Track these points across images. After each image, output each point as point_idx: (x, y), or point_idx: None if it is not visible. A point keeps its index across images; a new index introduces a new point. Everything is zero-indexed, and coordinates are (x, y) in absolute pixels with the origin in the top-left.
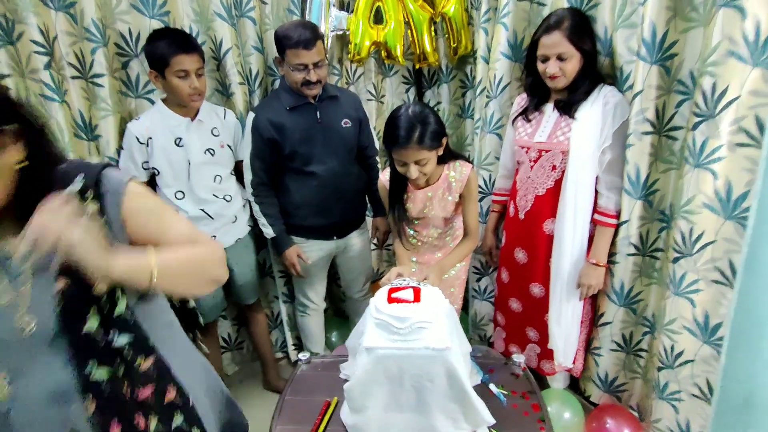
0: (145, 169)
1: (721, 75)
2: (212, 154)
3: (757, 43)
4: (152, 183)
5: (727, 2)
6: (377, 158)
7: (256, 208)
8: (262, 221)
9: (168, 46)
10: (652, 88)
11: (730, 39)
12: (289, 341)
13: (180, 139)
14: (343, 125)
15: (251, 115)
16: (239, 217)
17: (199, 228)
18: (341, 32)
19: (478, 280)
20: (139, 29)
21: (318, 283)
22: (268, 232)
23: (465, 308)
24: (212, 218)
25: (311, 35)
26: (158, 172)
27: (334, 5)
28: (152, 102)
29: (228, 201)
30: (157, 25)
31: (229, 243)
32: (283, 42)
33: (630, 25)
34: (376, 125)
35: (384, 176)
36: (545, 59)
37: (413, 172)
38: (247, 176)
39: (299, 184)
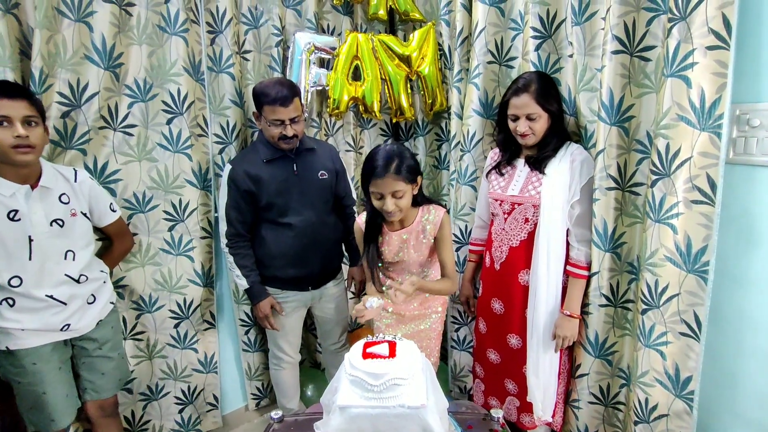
0: None
1: (673, 137)
2: (61, 226)
3: (702, 109)
4: None
5: (673, 73)
6: (355, 208)
7: (230, 259)
8: (236, 273)
9: None
10: (613, 147)
11: (678, 105)
12: (248, 390)
13: (15, 212)
14: (320, 177)
15: (228, 167)
16: (98, 296)
17: (47, 318)
18: (320, 88)
19: (457, 330)
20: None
21: (293, 335)
22: (242, 283)
23: (444, 358)
24: (65, 303)
25: (288, 93)
26: None
27: (314, 63)
28: None
29: (83, 281)
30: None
31: (89, 328)
32: (260, 98)
33: (590, 89)
34: (355, 175)
35: (360, 219)
36: (515, 118)
37: (389, 204)
38: (222, 227)
39: (275, 234)
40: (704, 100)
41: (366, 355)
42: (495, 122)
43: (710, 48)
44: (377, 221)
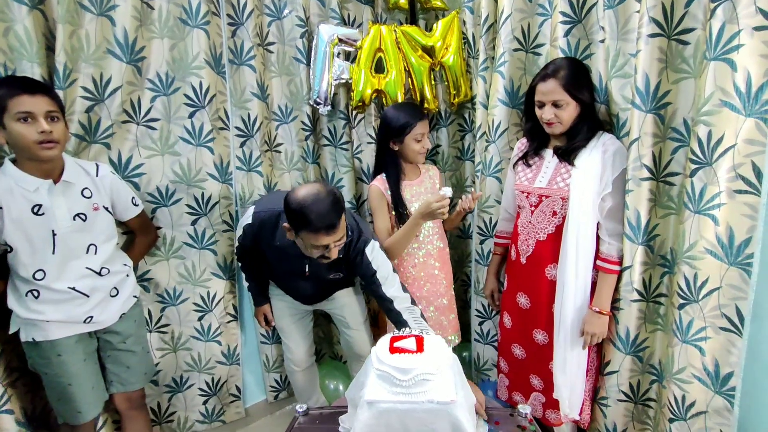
0: None
1: (715, 124)
2: (84, 220)
3: (749, 94)
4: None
5: (717, 56)
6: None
7: (238, 263)
8: (245, 275)
9: (6, 89)
10: (648, 136)
11: (722, 90)
12: (266, 382)
13: (39, 206)
14: (331, 277)
15: (249, 215)
16: (121, 290)
17: (70, 310)
18: (343, 81)
19: (481, 323)
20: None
21: (296, 333)
22: (246, 284)
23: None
24: (87, 296)
25: (334, 216)
26: (10, 250)
27: (337, 56)
28: None
29: (105, 274)
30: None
31: (112, 320)
32: (299, 222)
33: (623, 75)
34: None
35: (379, 182)
36: (542, 105)
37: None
38: (238, 234)
39: (275, 280)
40: (750, 84)
41: (393, 350)
42: (521, 111)
43: (757, 29)
44: (398, 180)
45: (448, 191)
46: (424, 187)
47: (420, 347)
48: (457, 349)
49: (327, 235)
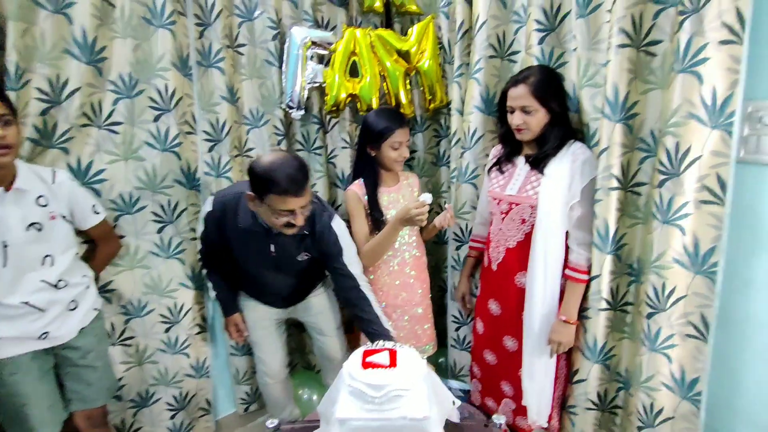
0: None
1: (683, 135)
2: (39, 230)
3: (714, 107)
4: None
5: (685, 68)
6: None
7: (204, 271)
8: (208, 284)
9: None
10: (617, 145)
11: (689, 102)
12: (236, 394)
13: None
14: (299, 259)
15: (209, 204)
16: (80, 303)
17: (24, 326)
18: (317, 84)
19: (457, 329)
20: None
21: (269, 346)
22: (212, 295)
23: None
24: (42, 310)
25: (302, 178)
26: None
27: (311, 59)
28: None
29: (62, 287)
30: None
31: (70, 335)
32: (267, 185)
33: (594, 85)
34: (351, 171)
35: (356, 187)
36: (512, 110)
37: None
38: (199, 246)
39: (245, 280)
40: (716, 97)
41: (366, 365)
42: (497, 118)
43: (723, 42)
44: (375, 185)
45: (428, 198)
46: (402, 194)
47: (393, 362)
48: (433, 356)
49: (295, 197)
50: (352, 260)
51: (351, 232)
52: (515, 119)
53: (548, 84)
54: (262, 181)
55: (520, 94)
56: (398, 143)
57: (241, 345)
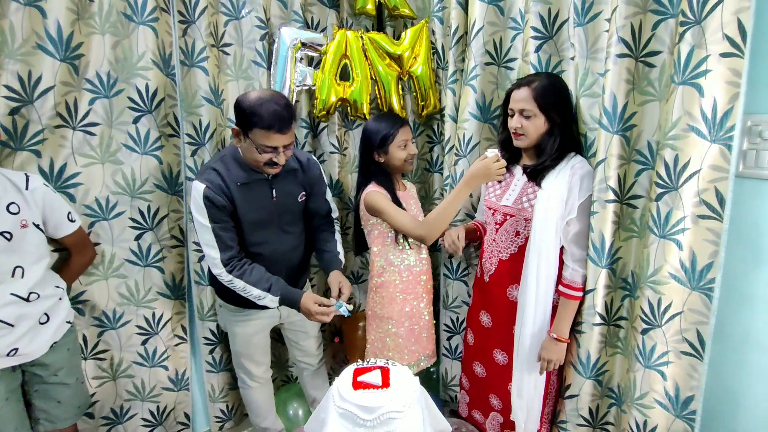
0: None
1: (682, 148)
2: (8, 239)
3: (714, 120)
4: None
5: (685, 80)
6: (335, 219)
7: (240, 284)
8: (255, 293)
9: None
10: (614, 157)
11: (689, 115)
12: (211, 412)
13: None
14: (299, 200)
15: (199, 186)
16: (52, 316)
17: None
18: (306, 87)
19: (450, 338)
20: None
21: (260, 355)
22: (271, 299)
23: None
24: (11, 325)
25: (287, 116)
26: None
27: (300, 61)
28: None
29: (33, 300)
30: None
31: (41, 351)
32: (251, 119)
33: (592, 95)
34: (339, 177)
35: (374, 187)
36: (512, 114)
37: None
38: (213, 255)
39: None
40: (716, 111)
41: (357, 385)
42: (493, 126)
43: (724, 55)
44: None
45: (493, 151)
46: (411, 201)
47: (386, 381)
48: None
49: (278, 134)
50: (331, 200)
51: (393, 225)
52: (513, 122)
53: (552, 92)
54: (247, 116)
55: (521, 97)
56: (404, 141)
57: (218, 360)
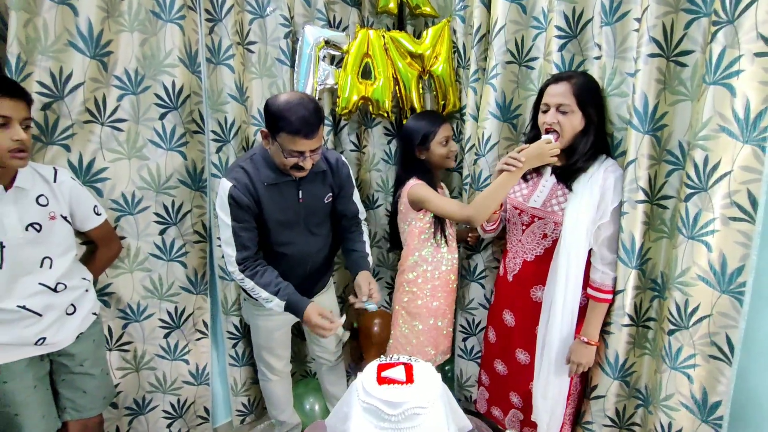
0: None
1: (712, 149)
2: (38, 230)
3: (747, 120)
4: None
5: (717, 80)
6: (363, 220)
7: (249, 284)
8: (264, 296)
9: None
10: (644, 157)
11: (721, 115)
12: (233, 406)
13: None
14: (326, 201)
15: (226, 184)
16: (79, 307)
17: (19, 331)
18: (329, 86)
19: (465, 339)
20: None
21: (281, 349)
22: (277, 303)
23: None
24: (39, 315)
25: (315, 121)
26: None
27: (323, 59)
28: None
29: (61, 291)
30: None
31: (68, 341)
32: (279, 123)
33: (620, 94)
34: (359, 175)
35: (415, 181)
36: (546, 109)
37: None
38: (230, 253)
39: (266, 259)
40: (749, 111)
41: (381, 380)
42: (513, 126)
43: (758, 55)
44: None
45: (549, 136)
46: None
47: (410, 377)
48: (440, 366)
49: (305, 139)
50: (359, 201)
51: (439, 212)
52: (548, 117)
53: (590, 90)
54: (275, 119)
55: (559, 92)
56: (445, 138)
57: (241, 354)
